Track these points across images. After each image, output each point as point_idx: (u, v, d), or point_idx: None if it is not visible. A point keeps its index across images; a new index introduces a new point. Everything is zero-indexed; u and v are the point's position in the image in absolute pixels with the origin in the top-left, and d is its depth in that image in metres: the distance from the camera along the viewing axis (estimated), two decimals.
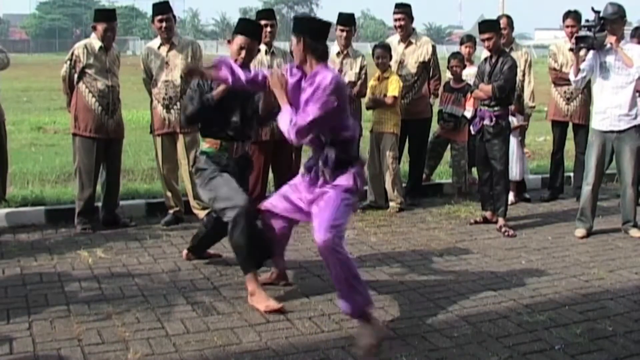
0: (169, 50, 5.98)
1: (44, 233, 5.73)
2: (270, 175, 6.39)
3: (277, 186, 6.35)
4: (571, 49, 5.94)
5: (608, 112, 5.77)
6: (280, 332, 3.83)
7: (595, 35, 5.68)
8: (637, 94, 6.79)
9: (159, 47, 6.03)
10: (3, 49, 6.01)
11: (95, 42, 5.79)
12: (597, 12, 5.73)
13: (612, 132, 5.79)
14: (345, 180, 3.89)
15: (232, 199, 4.25)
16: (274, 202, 4.27)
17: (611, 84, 5.75)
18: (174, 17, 6.06)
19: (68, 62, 5.79)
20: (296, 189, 4.15)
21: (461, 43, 7.75)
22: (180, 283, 4.59)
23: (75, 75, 5.78)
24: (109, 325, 3.86)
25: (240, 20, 4.86)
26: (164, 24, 5.90)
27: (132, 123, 12.50)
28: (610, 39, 5.70)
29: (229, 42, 4.62)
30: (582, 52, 5.94)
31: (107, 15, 5.88)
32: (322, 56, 3.90)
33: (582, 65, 5.91)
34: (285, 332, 3.82)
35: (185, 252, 5.07)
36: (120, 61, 6.07)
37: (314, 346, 3.65)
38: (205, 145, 4.60)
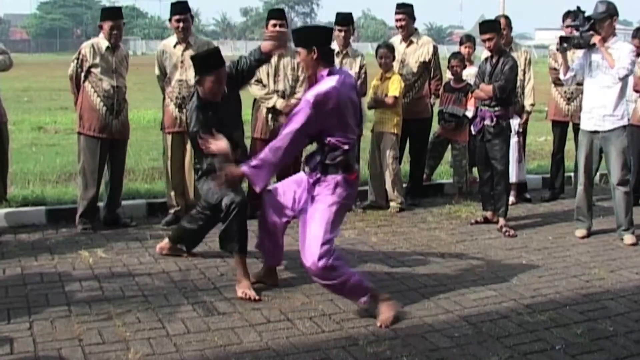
0: (184, 50, 5.99)
1: (44, 233, 5.73)
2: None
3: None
4: (557, 49, 5.93)
5: (593, 112, 5.72)
6: (280, 332, 3.83)
7: (581, 34, 5.65)
8: (638, 94, 6.80)
9: (174, 46, 6.05)
10: (6, 50, 6.01)
11: (102, 41, 5.80)
12: (583, 12, 5.71)
13: (597, 132, 5.74)
14: (331, 188, 3.97)
15: (232, 191, 4.40)
16: (279, 188, 4.37)
17: (598, 84, 5.68)
18: (192, 17, 6.08)
19: (75, 61, 5.81)
20: (297, 183, 4.27)
21: (460, 43, 7.75)
22: (181, 283, 4.59)
23: (82, 75, 5.80)
24: (109, 325, 3.86)
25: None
26: (181, 24, 5.92)
27: (133, 123, 12.36)
28: (595, 39, 5.61)
29: None
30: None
31: (113, 13, 5.89)
32: (331, 60, 4.05)
33: (573, 65, 5.89)
34: (286, 332, 3.82)
35: (162, 245, 5.15)
36: (128, 62, 6.06)
37: (314, 346, 3.65)
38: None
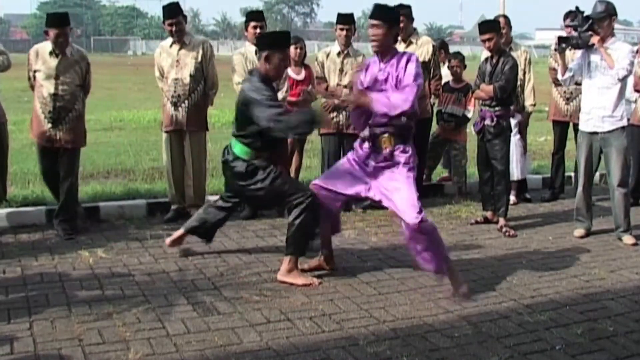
0: (180, 49, 6.04)
1: (44, 233, 5.72)
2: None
3: None
4: (556, 49, 5.91)
5: (592, 112, 5.69)
6: (281, 332, 3.83)
7: (580, 34, 5.63)
8: (638, 94, 6.79)
9: (170, 46, 6.10)
10: (5, 51, 5.99)
11: (47, 45, 5.60)
12: (582, 12, 5.70)
13: (596, 133, 5.72)
14: (410, 157, 4.42)
15: (305, 189, 4.69)
16: (330, 180, 4.64)
17: (597, 84, 5.65)
18: (185, 17, 6.10)
19: (27, 66, 5.72)
20: (353, 162, 4.58)
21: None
22: (181, 283, 4.59)
23: (31, 80, 5.70)
24: (109, 325, 3.86)
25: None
26: (173, 28, 5.96)
27: (133, 123, 12.53)
28: (594, 39, 5.59)
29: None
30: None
31: (59, 21, 5.56)
32: (397, 39, 4.56)
33: (571, 65, 5.87)
34: (286, 332, 3.82)
35: (173, 237, 5.16)
36: (85, 67, 5.74)
37: (314, 346, 3.65)
38: (257, 160, 4.63)
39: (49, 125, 5.60)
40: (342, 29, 6.46)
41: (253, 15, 6.41)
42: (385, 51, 4.44)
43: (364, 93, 4.40)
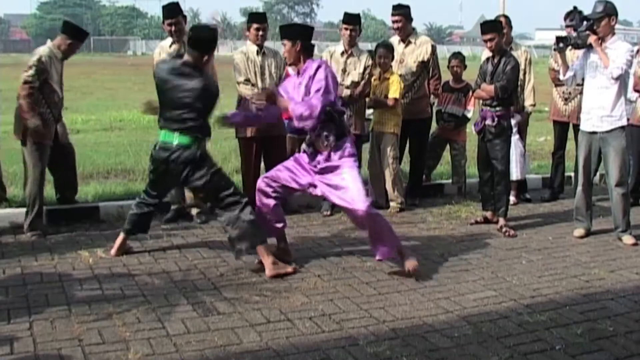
0: (179, 50, 6.02)
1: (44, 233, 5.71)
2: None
3: None
4: (554, 49, 5.91)
5: (592, 112, 5.68)
6: (280, 332, 3.83)
7: (579, 34, 5.63)
8: (638, 94, 6.79)
9: (170, 46, 6.11)
10: None
11: (57, 52, 5.68)
12: (580, 12, 5.69)
13: (595, 132, 5.71)
14: (347, 150, 4.74)
15: (237, 188, 4.96)
16: (275, 174, 4.92)
17: (597, 84, 5.64)
18: (184, 17, 6.14)
19: (34, 69, 5.50)
20: (298, 162, 4.90)
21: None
22: (180, 283, 4.59)
23: (37, 84, 5.53)
24: (109, 325, 3.86)
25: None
26: (173, 28, 5.99)
27: (133, 123, 12.53)
28: (591, 39, 5.56)
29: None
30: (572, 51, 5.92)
31: (83, 36, 5.86)
32: (311, 53, 4.87)
33: (573, 65, 5.87)
34: (286, 332, 3.82)
35: (117, 245, 5.18)
36: None
37: (314, 346, 3.65)
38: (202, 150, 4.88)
39: (55, 124, 5.79)
40: (346, 29, 6.48)
41: (256, 17, 6.37)
42: (296, 63, 4.83)
43: (282, 98, 4.85)
